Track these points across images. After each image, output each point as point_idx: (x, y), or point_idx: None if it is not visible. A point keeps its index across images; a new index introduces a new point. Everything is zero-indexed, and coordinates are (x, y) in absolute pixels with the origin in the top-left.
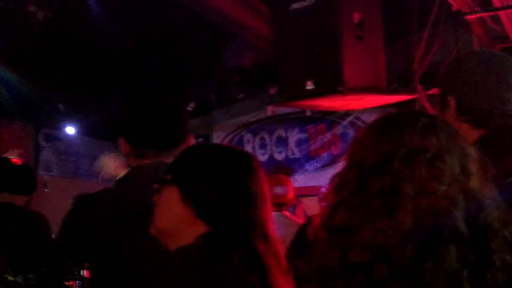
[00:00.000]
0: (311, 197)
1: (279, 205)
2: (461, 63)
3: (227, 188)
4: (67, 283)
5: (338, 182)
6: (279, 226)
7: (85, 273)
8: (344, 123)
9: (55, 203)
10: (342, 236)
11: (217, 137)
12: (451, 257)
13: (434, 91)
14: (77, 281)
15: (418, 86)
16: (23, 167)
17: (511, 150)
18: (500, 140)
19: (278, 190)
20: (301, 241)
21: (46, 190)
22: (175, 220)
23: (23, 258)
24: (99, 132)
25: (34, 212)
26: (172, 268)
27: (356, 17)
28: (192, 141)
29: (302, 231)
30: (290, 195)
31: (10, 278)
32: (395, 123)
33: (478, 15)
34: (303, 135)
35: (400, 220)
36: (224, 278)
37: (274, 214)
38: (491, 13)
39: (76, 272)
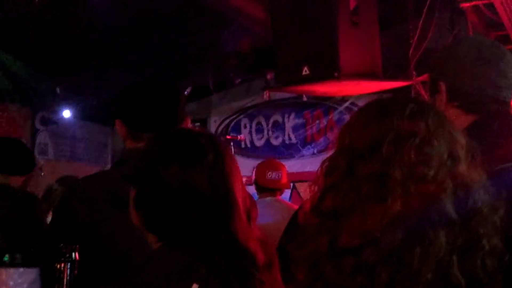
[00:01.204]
0: (307, 183)
1: (273, 190)
2: (452, 49)
3: (164, 188)
4: (58, 265)
5: (328, 167)
6: (273, 211)
7: (76, 256)
8: (341, 108)
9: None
10: (331, 220)
11: (214, 122)
12: (440, 242)
13: (427, 77)
14: (68, 264)
15: (413, 72)
16: (18, 146)
17: (502, 136)
18: (491, 126)
19: (273, 175)
20: (294, 226)
21: (41, 173)
22: (137, 220)
23: (15, 239)
24: (95, 116)
25: (28, 194)
26: (152, 267)
27: (352, 3)
28: (189, 123)
29: (296, 216)
30: (284, 180)
31: None
32: (384, 109)
33: (473, 2)
34: (299, 121)
35: (389, 204)
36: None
37: (268, 199)
38: (486, 1)
39: (67, 255)
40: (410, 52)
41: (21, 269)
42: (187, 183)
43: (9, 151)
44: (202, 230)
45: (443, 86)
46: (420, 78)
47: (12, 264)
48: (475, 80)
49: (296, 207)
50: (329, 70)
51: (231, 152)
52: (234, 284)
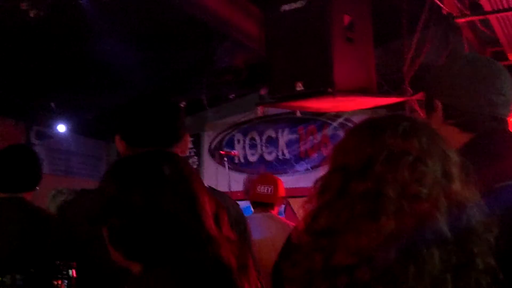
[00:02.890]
0: (301, 199)
1: (265, 205)
2: (447, 67)
3: (131, 216)
4: (55, 282)
5: (321, 186)
6: (264, 227)
7: (73, 273)
8: (335, 124)
9: (45, 200)
10: (325, 239)
11: (208, 137)
12: (434, 261)
13: (422, 95)
14: (65, 281)
15: (408, 89)
16: (27, 157)
17: (499, 154)
18: (488, 144)
19: (263, 189)
20: (290, 246)
21: (36, 188)
22: (116, 255)
23: (26, 258)
24: (90, 130)
25: (45, 211)
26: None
27: (346, 19)
28: (188, 140)
29: (291, 236)
30: (277, 194)
31: None
32: (377, 127)
33: (468, 18)
34: (293, 136)
35: (382, 223)
36: None
37: (259, 214)
38: (481, 17)
39: (64, 272)
40: (405, 68)
41: None
42: (152, 205)
43: (18, 166)
44: (175, 248)
45: (439, 104)
46: (416, 96)
47: (14, 285)
48: (471, 98)
49: (289, 222)
50: (323, 86)
51: (188, 163)
52: None
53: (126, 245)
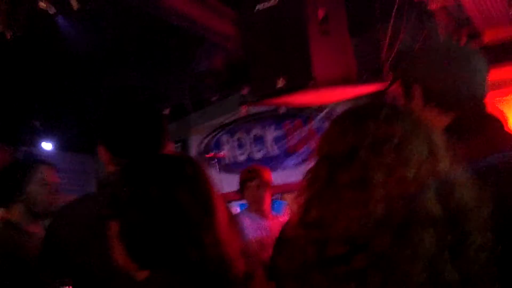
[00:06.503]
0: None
1: None
2: (422, 54)
3: (149, 211)
4: None
5: (310, 178)
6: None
7: None
8: (319, 116)
9: None
10: (317, 230)
11: (195, 141)
12: (428, 241)
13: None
14: None
15: (388, 75)
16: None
17: (480, 131)
18: (470, 123)
19: None
20: (283, 240)
21: None
22: (121, 256)
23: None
24: (75, 146)
25: None
26: None
27: (321, 13)
28: (172, 148)
29: (284, 230)
30: None
31: None
32: (359, 115)
33: (441, 3)
34: (279, 132)
35: (371, 209)
36: None
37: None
38: (453, 3)
39: None
40: (383, 55)
41: None
42: (169, 201)
43: None
44: (181, 248)
45: (418, 90)
46: (391, 87)
47: None
48: (449, 78)
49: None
50: (303, 80)
51: (206, 167)
52: None
53: (136, 241)
